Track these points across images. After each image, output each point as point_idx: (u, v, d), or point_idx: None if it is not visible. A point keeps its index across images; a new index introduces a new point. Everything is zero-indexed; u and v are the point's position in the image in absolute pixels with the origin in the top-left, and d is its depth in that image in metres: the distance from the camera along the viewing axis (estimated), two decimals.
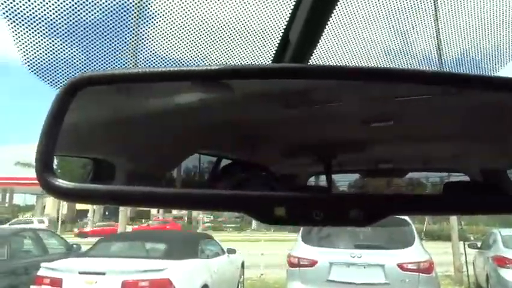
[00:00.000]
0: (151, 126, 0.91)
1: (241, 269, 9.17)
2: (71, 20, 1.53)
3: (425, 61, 2.27)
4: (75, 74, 1.65)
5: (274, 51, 1.37)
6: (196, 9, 1.60)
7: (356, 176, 1.19)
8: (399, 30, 2.01)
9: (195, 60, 1.79)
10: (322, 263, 6.22)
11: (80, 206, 37.82)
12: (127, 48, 1.71)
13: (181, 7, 1.57)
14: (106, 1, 1.52)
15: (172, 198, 0.73)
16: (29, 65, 1.59)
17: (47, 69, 1.65)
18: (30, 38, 1.52)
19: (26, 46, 1.54)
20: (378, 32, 1.96)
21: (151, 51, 1.77)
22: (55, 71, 1.67)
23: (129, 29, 1.64)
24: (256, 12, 1.61)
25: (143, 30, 1.69)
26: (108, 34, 1.62)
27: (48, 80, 1.67)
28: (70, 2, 1.49)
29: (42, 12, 1.45)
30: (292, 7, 1.19)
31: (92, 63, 1.69)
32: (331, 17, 1.14)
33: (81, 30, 1.60)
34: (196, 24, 1.66)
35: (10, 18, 1.42)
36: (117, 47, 1.68)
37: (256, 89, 0.81)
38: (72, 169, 0.92)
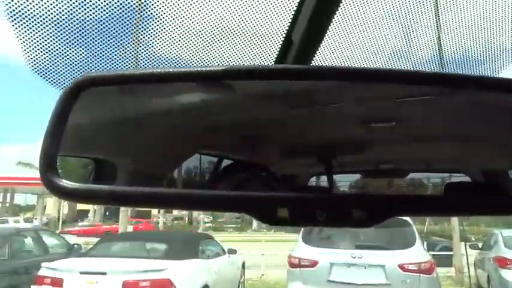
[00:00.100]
0: (153, 127, 0.91)
1: (241, 269, 9.17)
2: (73, 21, 1.54)
3: (427, 62, 2.27)
4: (77, 74, 1.65)
5: (276, 52, 1.37)
6: (199, 10, 1.60)
7: (357, 177, 1.18)
8: (401, 32, 2.01)
9: (197, 61, 1.80)
10: (323, 264, 6.22)
11: (80, 206, 37.82)
12: (129, 49, 1.71)
13: (184, 8, 1.57)
14: (108, 2, 1.52)
15: (174, 199, 0.73)
16: (32, 66, 1.60)
17: (50, 69, 1.66)
18: (34, 39, 1.53)
19: (30, 47, 1.54)
20: (380, 33, 1.96)
21: (153, 52, 1.77)
22: (58, 72, 1.67)
23: (131, 29, 1.65)
24: (258, 12, 1.61)
25: (145, 31, 1.69)
26: (110, 35, 1.63)
27: (50, 80, 1.67)
28: (73, 4, 1.49)
29: (45, 13, 1.45)
30: (295, 8, 1.19)
31: (94, 63, 1.69)
32: (334, 18, 1.13)
33: (84, 31, 1.61)
34: (198, 25, 1.66)
35: (14, 19, 1.43)
36: (119, 47, 1.68)
37: (259, 90, 0.81)
38: (73, 169, 0.92)
